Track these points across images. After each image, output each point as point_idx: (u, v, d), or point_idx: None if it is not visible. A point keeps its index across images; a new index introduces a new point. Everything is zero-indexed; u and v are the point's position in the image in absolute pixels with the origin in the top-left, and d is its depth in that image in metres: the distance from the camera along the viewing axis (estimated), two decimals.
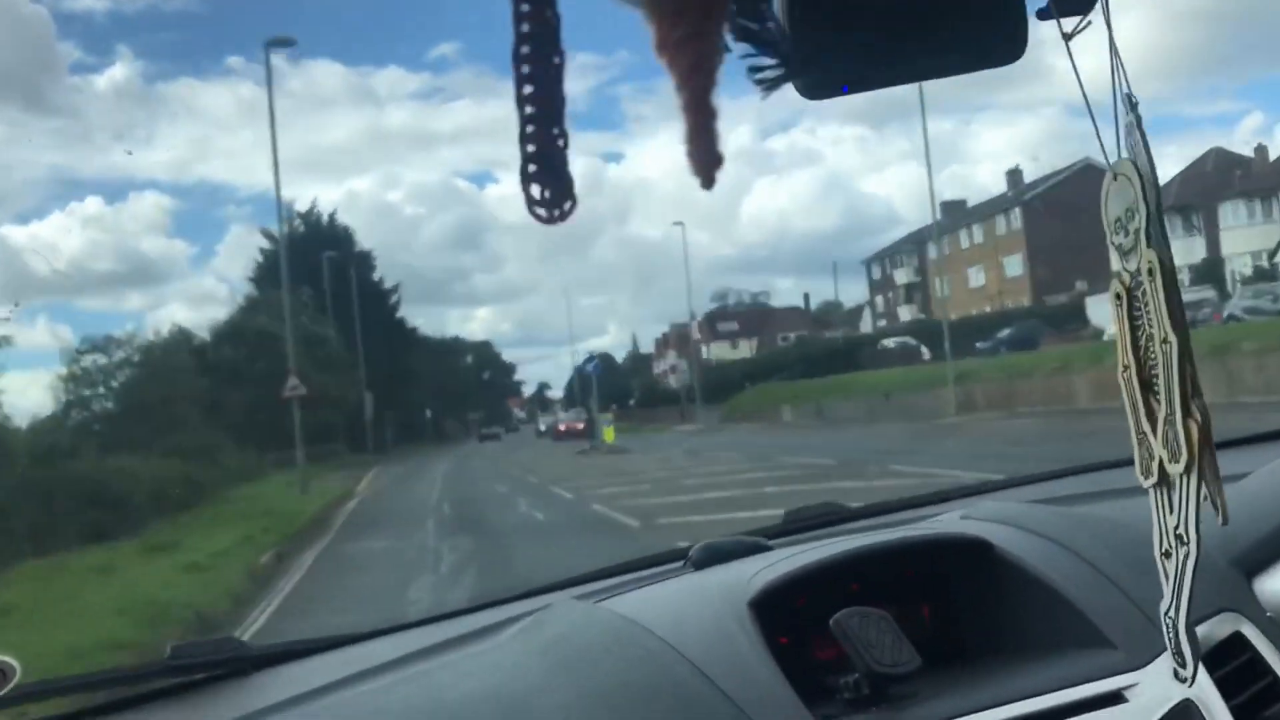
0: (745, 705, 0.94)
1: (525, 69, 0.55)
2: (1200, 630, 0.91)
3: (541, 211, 0.58)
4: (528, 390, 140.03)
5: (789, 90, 0.66)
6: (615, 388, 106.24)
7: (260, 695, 1.24)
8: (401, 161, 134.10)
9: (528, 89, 0.56)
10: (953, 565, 1.20)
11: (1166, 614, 0.73)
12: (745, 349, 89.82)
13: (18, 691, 1.15)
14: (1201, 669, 0.90)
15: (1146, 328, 0.67)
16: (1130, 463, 0.72)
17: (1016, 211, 61.51)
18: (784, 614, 1.11)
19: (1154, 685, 0.95)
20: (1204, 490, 0.66)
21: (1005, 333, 43.39)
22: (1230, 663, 0.99)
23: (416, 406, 77.35)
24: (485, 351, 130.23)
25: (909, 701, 0.96)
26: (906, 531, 1.35)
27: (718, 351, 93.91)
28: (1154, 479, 0.68)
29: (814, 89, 0.67)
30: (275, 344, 43.43)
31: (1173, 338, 0.65)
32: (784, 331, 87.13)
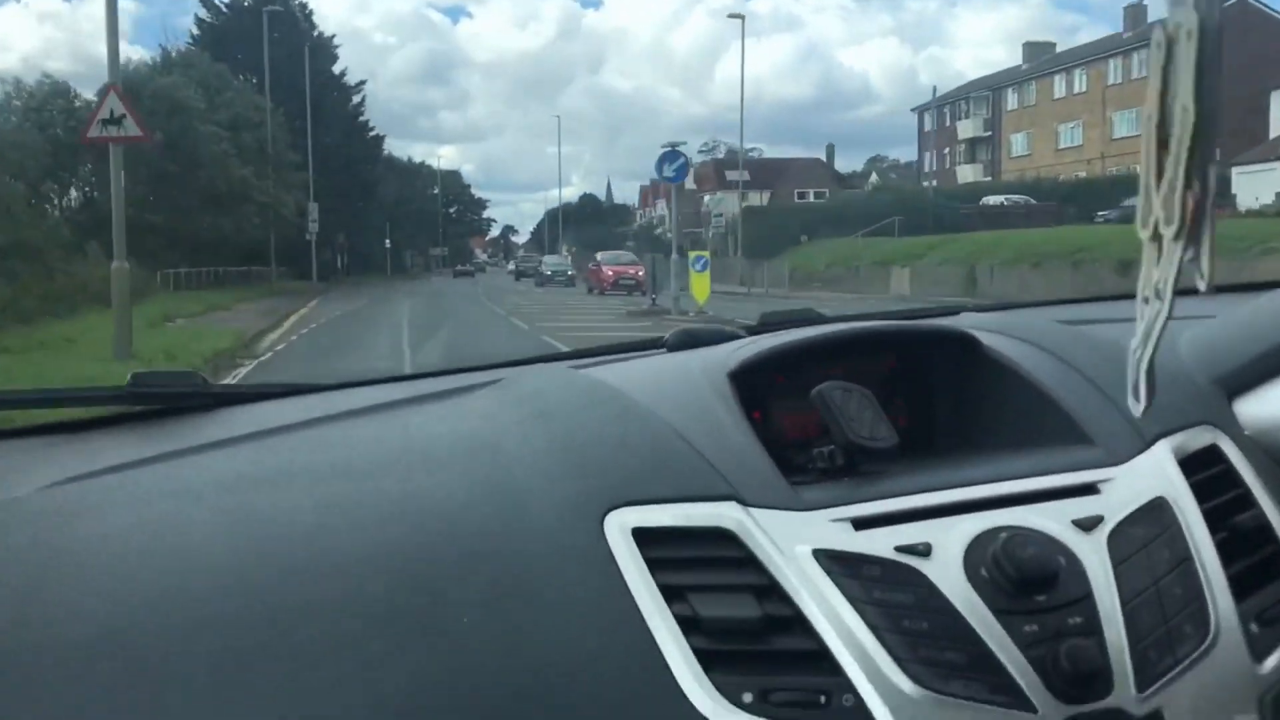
0: (717, 463, 0.94)
1: None
2: (1178, 439, 1.03)
3: None
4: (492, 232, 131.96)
5: None
6: (593, 237, 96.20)
7: (222, 428, 1.21)
8: None
9: None
10: (936, 359, 1.21)
11: (1133, 351, 0.75)
12: (756, 203, 78.67)
13: None
14: (1177, 471, 1.00)
15: (1174, 88, 0.67)
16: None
17: (1136, 56, 49.38)
18: (761, 391, 1.13)
19: (1130, 481, 0.98)
20: (1191, 257, 0.69)
21: (1130, 202, 32.11)
22: (1204, 471, 1.03)
23: (374, 231, 65.13)
24: (453, 182, 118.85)
25: (880, 476, 0.96)
26: (892, 322, 1.36)
27: (724, 202, 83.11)
28: (1149, 233, 0.70)
29: None
30: (180, 115, 30.85)
31: (1192, 107, 0.66)
32: (801, 187, 76.53)
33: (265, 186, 35.06)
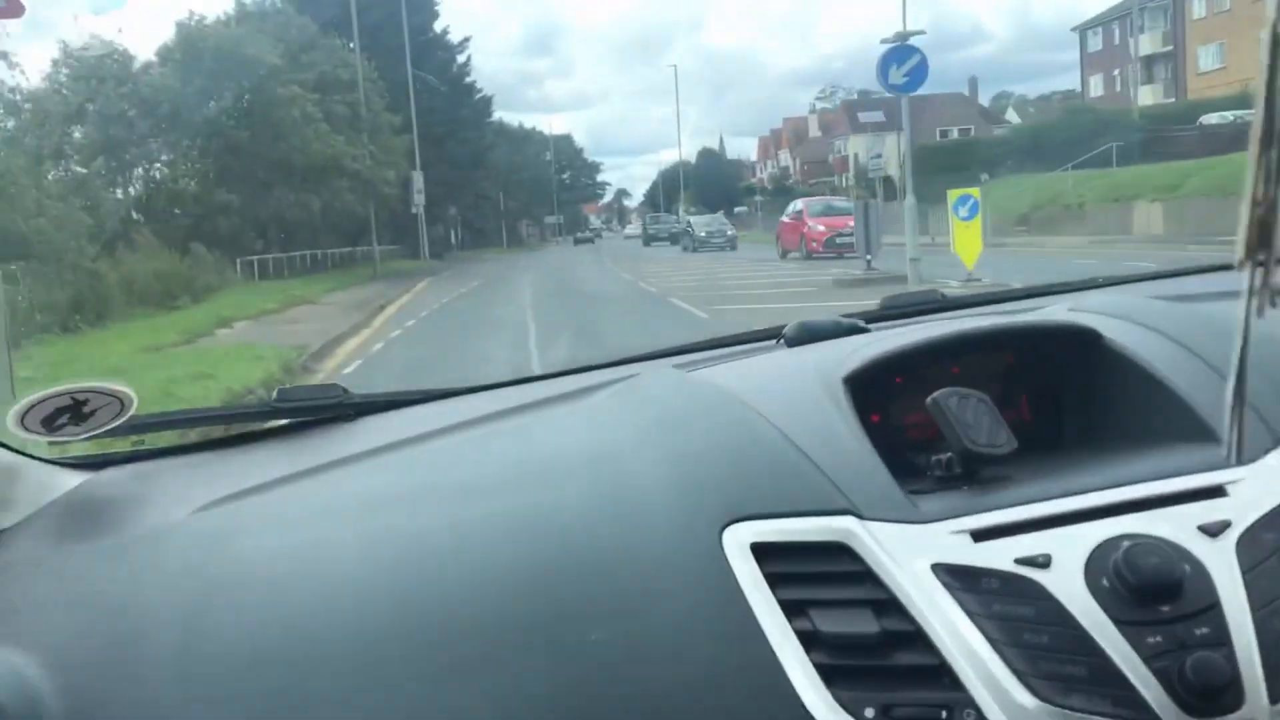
0: (834, 475, 0.93)
1: None
2: None
3: None
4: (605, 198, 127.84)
5: None
6: (714, 195, 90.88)
7: (362, 439, 1.28)
8: None
9: None
10: (1056, 354, 1.18)
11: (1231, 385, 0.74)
12: (888, 147, 71.92)
13: (134, 422, 1.22)
14: None
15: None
16: None
17: None
18: (878, 393, 1.11)
19: (1259, 482, 0.93)
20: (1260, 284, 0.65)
21: None
22: None
23: (488, 202, 60.63)
24: (566, 147, 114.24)
25: (1000, 483, 0.94)
26: (1010, 318, 1.33)
27: (856, 146, 76.53)
28: (1240, 256, 0.64)
29: None
30: (252, 74, 26.14)
31: None
32: (944, 125, 69.47)
33: (361, 156, 30.09)
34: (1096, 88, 58.93)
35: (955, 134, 62.68)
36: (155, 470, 1.32)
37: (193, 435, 1.46)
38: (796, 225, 27.34)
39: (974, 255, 14.11)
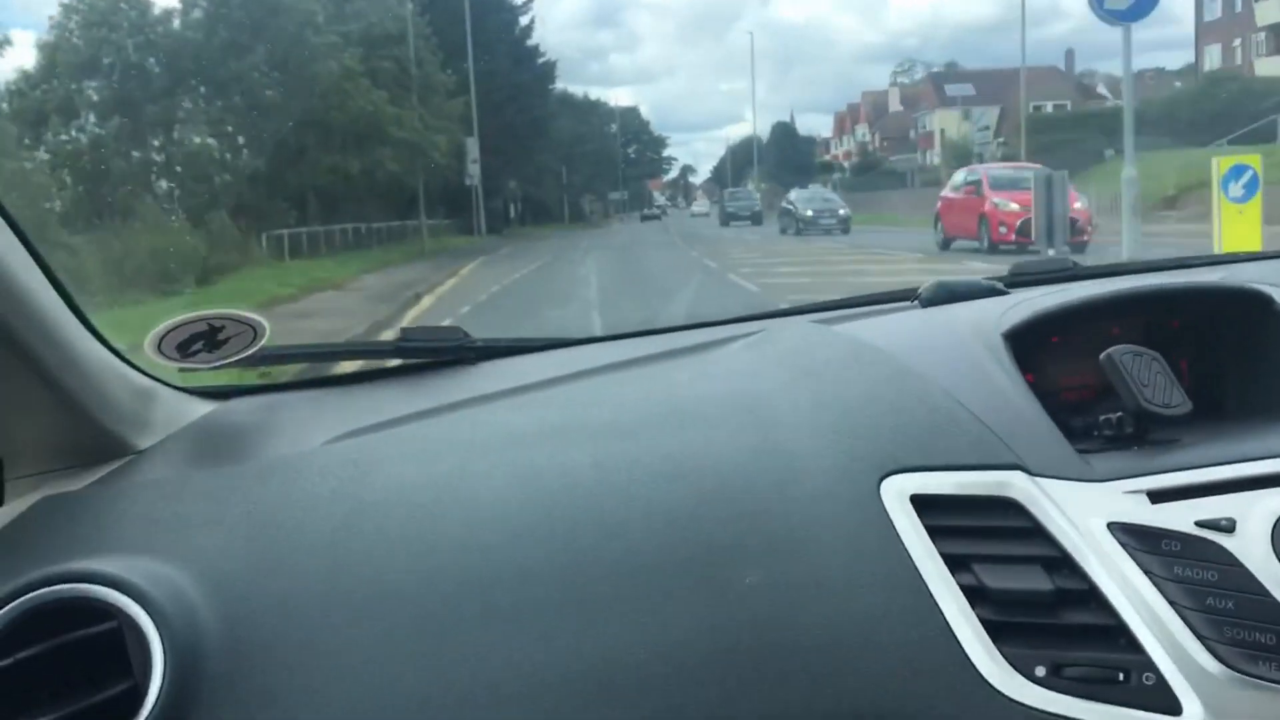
0: (999, 430, 0.91)
1: None
2: None
3: None
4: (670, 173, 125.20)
5: None
6: (789, 172, 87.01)
7: (485, 383, 1.25)
8: None
9: None
10: (1224, 318, 1.13)
11: None
12: (992, 119, 68.05)
13: (264, 352, 1.23)
14: None
15: None
16: None
17: None
18: (1034, 352, 1.08)
19: None
20: None
21: None
22: None
23: (550, 175, 57.48)
24: (632, 120, 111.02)
25: (1173, 446, 0.91)
26: (1175, 278, 1.29)
27: (943, 121, 72.21)
28: None
29: None
30: (284, 21, 22.82)
31: None
32: (1037, 100, 65.31)
33: (408, 119, 26.67)
34: (1213, 59, 54.11)
35: (1050, 109, 58.39)
36: (282, 402, 1.32)
37: (316, 371, 1.49)
38: (971, 203, 19.08)
39: (1252, 243, 9.79)
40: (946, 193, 21.80)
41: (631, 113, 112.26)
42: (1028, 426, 0.92)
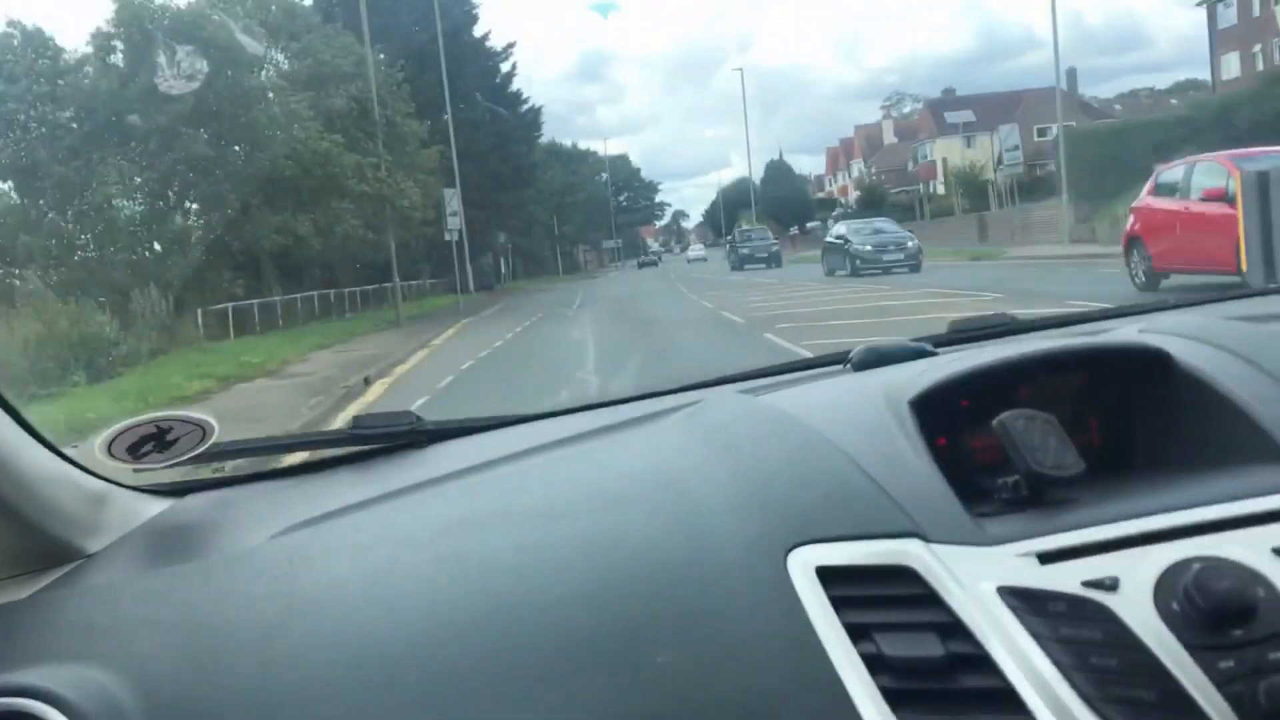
0: (901, 499, 0.94)
1: None
2: None
3: None
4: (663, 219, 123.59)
5: None
6: (782, 206, 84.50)
7: (434, 466, 1.31)
8: None
9: None
10: (1126, 377, 1.17)
11: None
12: (983, 148, 65.54)
13: (216, 448, 1.27)
14: None
15: None
16: None
17: None
18: (944, 416, 1.11)
19: None
20: None
21: None
22: None
23: (539, 226, 54.51)
24: (622, 168, 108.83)
25: (1067, 506, 0.94)
26: (1078, 339, 1.31)
27: (944, 149, 69.56)
28: None
29: None
30: (231, 58, 19.51)
31: None
32: (1041, 122, 63.65)
33: (369, 168, 23.37)
34: (1230, 67, 51.39)
35: (1054, 131, 55.73)
36: (235, 497, 1.37)
37: (271, 463, 1.51)
38: (1214, 219, 11.59)
39: None
40: (1155, 201, 14.07)
41: (621, 160, 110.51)
42: (927, 494, 0.93)
